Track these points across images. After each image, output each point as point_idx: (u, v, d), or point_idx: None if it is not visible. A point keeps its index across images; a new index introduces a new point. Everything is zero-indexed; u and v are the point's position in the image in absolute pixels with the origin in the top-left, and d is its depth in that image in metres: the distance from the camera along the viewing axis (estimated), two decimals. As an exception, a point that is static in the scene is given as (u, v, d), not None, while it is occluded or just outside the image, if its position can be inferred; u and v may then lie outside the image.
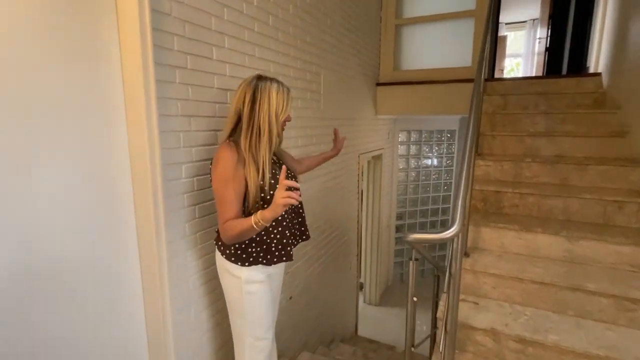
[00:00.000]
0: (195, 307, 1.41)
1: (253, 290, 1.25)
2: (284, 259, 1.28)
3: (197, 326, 1.43)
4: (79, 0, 1.00)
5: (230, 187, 1.13)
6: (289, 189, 1.03)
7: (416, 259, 1.16)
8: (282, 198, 1.02)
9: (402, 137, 4.32)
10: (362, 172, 3.85)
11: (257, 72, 1.32)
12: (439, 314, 1.49)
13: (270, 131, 1.17)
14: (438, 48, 3.39)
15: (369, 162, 3.82)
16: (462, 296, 1.65)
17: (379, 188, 3.87)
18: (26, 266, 0.94)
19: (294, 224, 1.38)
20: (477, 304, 1.59)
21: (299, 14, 1.96)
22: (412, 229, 4.67)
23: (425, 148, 4.55)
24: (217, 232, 1.32)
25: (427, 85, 3.31)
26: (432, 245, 4.78)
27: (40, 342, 0.99)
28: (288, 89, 1.23)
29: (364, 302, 4.21)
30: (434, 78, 3.28)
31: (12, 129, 0.89)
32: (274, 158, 1.32)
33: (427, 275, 4.76)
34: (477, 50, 3.11)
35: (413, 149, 4.47)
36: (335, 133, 1.78)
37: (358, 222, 3.32)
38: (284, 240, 1.27)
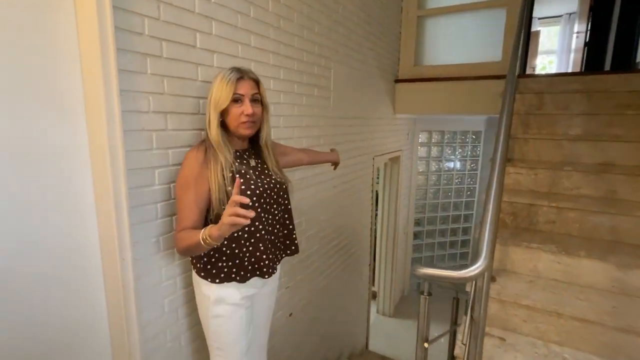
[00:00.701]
0: (171, 332, 1.23)
1: (221, 312, 1.09)
2: (258, 273, 1.12)
3: (173, 353, 1.25)
4: (22, -29, 0.83)
5: (191, 190, 1.00)
6: (242, 206, 0.86)
7: (429, 294, 0.93)
8: (228, 216, 0.85)
9: (422, 137, 4.04)
10: (378, 175, 3.60)
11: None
12: (457, 352, 1.25)
13: (211, 125, 1.05)
14: (464, 41, 3.09)
15: (385, 164, 3.57)
16: (486, 329, 1.40)
17: (395, 192, 3.61)
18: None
19: (278, 236, 1.20)
20: (503, 340, 1.34)
21: (306, 0, 1.75)
22: (431, 235, 4.38)
23: (447, 150, 4.24)
24: None
25: (452, 82, 3.03)
26: (452, 250, 4.47)
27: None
28: (239, 75, 1.06)
29: (377, 312, 3.97)
30: (459, 74, 2.99)
31: None
32: (253, 157, 1.18)
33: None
34: (509, 44, 2.80)
35: (434, 150, 4.17)
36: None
37: (371, 229, 3.08)
38: (258, 254, 1.10)
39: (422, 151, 4.07)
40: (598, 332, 1.25)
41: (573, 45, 6.01)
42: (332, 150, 1.79)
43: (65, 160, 0.95)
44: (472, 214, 4.50)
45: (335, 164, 1.76)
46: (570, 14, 6.73)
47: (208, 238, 0.92)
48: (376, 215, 3.90)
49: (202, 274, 1.10)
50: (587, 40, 4.58)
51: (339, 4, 2.06)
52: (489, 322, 1.41)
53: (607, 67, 4.05)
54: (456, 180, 4.36)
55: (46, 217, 0.92)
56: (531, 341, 1.33)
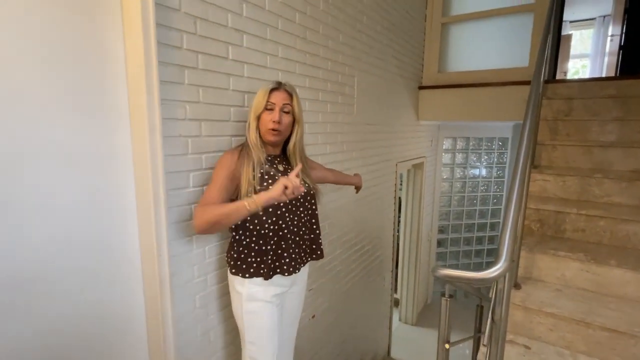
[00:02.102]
0: (202, 327, 1.30)
1: (253, 309, 1.16)
2: (278, 271, 1.18)
3: (204, 347, 1.32)
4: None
5: (222, 177, 1.12)
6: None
7: (450, 296, 0.95)
8: (285, 180, 1.01)
9: (446, 144, 4.00)
10: (401, 182, 3.60)
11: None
12: (479, 358, 1.24)
13: (250, 127, 1.17)
14: (490, 47, 3.06)
15: (408, 170, 3.56)
16: (510, 336, 1.38)
17: (419, 199, 3.59)
18: (18, 276, 0.88)
19: (303, 238, 1.26)
20: (528, 348, 1.32)
21: (331, 11, 1.81)
22: (456, 244, 4.30)
23: (472, 157, 4.18)
24: (229, 244, 1.23)
25: (477, 88, 3.00)
26: (478, 259, 4.37)
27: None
28: (273, 87, 1.17)
29: (399, 320, 3.93)
30: (485, 80, 2.96)
31: (11, 135, 0.83)
32: (283, 163, 1.26)
33: (460, 297, 4.36)
34: (536, 49, 2.75)
35: (459, 157, 4.12)
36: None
37: (394, 235, 3.08)
38: (280, 251, 1.17)
39: (446, 158, 4.03)
40: (629, 343, 1.21)
41: (607, 49, 5.78)
42: (355, 174, 1.85)
43: (111, 164, 1.04)
44: (499, 222, 4.39)
45: (358, 188, 1.84)
46: (604, 16, 6.49)
47: (255, 202, 1.02)
48: (399, 221, 3.89)
49: (234, 270, 1.18)
50: (622, 43, 4.41)
51: (363, 14, 2.12)
52: (513, 329, 1.40)
53: (644, 71, 3.88)
54: (482, 188, 4.27)
55: (92, 216, 1.01)
56: (558, 350, 1.31)
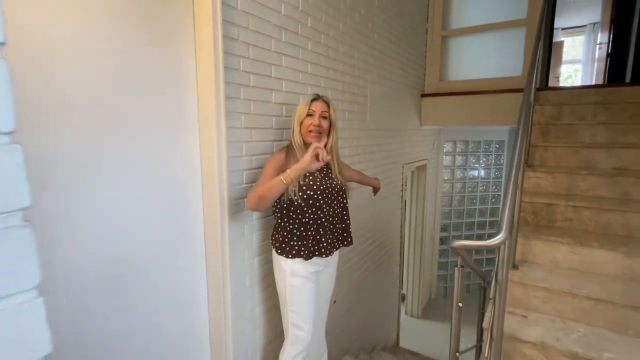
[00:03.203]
0: (250, 302, 1.54)
1: (295, 283, 1.40)
2: (317, 253, 1.42)
3: (251, 320, 1.55)
4: (165, 35, 1.18)
5: (271, 170, 1.34)
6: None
7: (462, 266, 1.19)
8: (312, 150, 1.24)
9: (447, 147, 4.26)
10: (405, 183, 3.85)
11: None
12: (485, 324, 1.48)
13: (294, 132, 1.41)
14: (486, 58, 3.34)
15: (412, 172, 3.82)
16: (510, 309, 1.63)
17: (422, 199, 3.84)
18: (112, 258, 1.12)
19: (337, 227, 1.50)
20: (525, 317, 1.56)
21: (349, 32, 2.08)
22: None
23: (472, 159, 4.45)
24: (273, 230, 1.47)
25: (475, 95, 3.28)
26: (479, 256, 4.61)
27: (127, 322, 1.17)
28: (314, 98, 1.41)
29: (406, 314, 4.16)
30: (482, 88, 3.24)
31: (112, 142, 1.07)
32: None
33: (472, 291, 4.60)
34: (529, 60, 3.03)
35: (459, 159, 4.39)
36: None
37: (401, 232, 3.32)
38: (318, 237, 1.42)
39: (447, 160, 4.29)
40: (609, 309, 1.46)
41: (597, 56, 6.09)
42: (375, 178, 2.05)
43: (182, 167, 1.29)
44: (497, 220, 4.65)
45: (376, 190, 2.03)
46: (594, 24, 6.82)
47: (288, 175, 1.25)
48: (404, 220, 4.14)
49: (279, 251, 1.41)
50: (609, 51, 4.71)
51: (374, 32, 2.38)
52: (512, 303, 1.64)
53: (628, 78, 4.17)
54: (481, 188, 4.54)
55: (166, 210, 1.26)
56: (550, 318, 1.55)
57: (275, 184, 1.27)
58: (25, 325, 0.27)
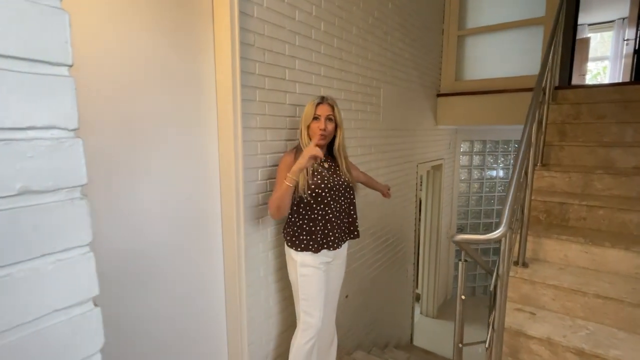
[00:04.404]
0: (264, 293, 1.63)
1: (306, 273, 1.49)
2: (325, 246, 1.50)
3: (265, 310, 1.64)
4: (188, 42, 1.29)
5: (283, 172, 1.42)
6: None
7: (466, 260, 1.24)
8: (307, 149, 1.34)
9: (464, 147, 4.24)
10: (421, 183, 3.86)
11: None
12: (491, 320, 1.52)
13: (302, 135, 1.50)
14: (503, 57, 3.32)
15: (428, 172, 3.83)
16: (518, 306, 1.65)
17: (438, 198, 3.85)
18: (133, 250, 1.23)
19: (344, 222, 1.57)
20: (534, 314, 1.58)
21: (362, 35, 2.14)
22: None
23: (489, 159, 4.40)
24: (284, 224, 1.55)
25: (492, 94, 3.26)
26: (486, 252, 4.55)
27: (137, 316, 1.28)
28: (319, 102, 1.48)
29: (421, 313, 4.17)
30: (499, 87, 3.22)
31: (139, 143, 1.19)
32: (329, 161, 1.57)
33: (489, 293, 4.54)
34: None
35: (476, 159, 4.35)
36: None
37: (415, 231, 3.35)
38: (326, 231, 1.50)
39: (463, 160, 4.27)
40: (619, 308, 1.46)
41: (624, 52, 5.88)
42: (385, 185, 2.04)
43: (202, 165, 1.39)
44: (516, 221, 4.57)
45: (384, 194, 2.00)
46: (623, 19, 6.57)
47: (289, 177, 1.34)
48: (419, 220, 4.15)
49: (289, 244, 1.51)
50: (637, 47, 4.55)
51: (388, 34, 2.43)
52: (521, 300, 1.66)
53: (656, 74, 4.02)
54: (499, 188, 4.48)
55: (190, 201, 1.36)
56: (559, 316, 1.56)
57: (284, 190, 1.36)
58: (81, 272, 0.37)
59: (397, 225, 2.92)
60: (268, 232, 1.61)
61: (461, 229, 4.46)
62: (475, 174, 4.37)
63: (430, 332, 3.86)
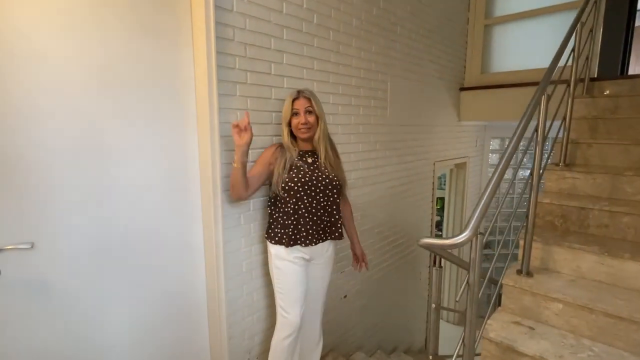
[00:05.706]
0: (247, 288, 1.63)
1: (280, 265, 1.49)
2: (298, 242, 1.48)
3: (247, 304, 1.64)
4: (170, 39, 1.31)
5: (259, 163, 1.50)
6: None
7: (440, 267, 1.14)
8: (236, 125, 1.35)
9: (494, 144, 3.96)
10: (444, 181, 3.66)
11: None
12: (484, 332, 1.40)
13: (283, 132, 1.49)
14: (535, 46, 3.04)
15: (451, 170, 3.63)
16: (517, 319, 1.50)
17: (461, 198, 3.64)
18: (109, 241, 1.28)
19: (322, 220, 1.53)
20: (532, 329, 1.43)
21: (364, 27, 2.06)
22: (505, 246, 4.21)
23: (524, 158, 4.06)
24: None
25: (522, 87, 3.00)
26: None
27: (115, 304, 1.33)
28: (294, 97, 1.46)
29: (441, 318, 3.97)
30: (530, 79, 2.95)
31: (120, 133, 1.23)
32: (312, 157, 1.55)
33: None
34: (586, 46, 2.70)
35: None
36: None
37: (432, 232, 3.19)
38: (299, 226, 1.48)
39: (493, 158, 3.99)
40: (631, 329, 1.27)
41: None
42: (364, 253, 1.84)
43: (184, 158, 1.41)
44: (553, 226, 4.20)
45: (356, 260, 1.85)
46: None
47: (234, 160, 1.36)
48: (441, 220, 3.95)
49: (266, 235, 1.54)
50: None
51: (397, 25, 2.32)
52: (520, 313, 1.51)
53: None
54: (534, 190, 4.13)
55: (168, 195, 1.39)
56: (561, 333, 1.40)
57: (233, 171, 1.37)
58: None
59: (409, 225, 2.80)
60: (251, 227, 1.61)
61: (490, 232, 4.18)
62: (506, 173, 4.07)
63: (449, 340, 3.66)
